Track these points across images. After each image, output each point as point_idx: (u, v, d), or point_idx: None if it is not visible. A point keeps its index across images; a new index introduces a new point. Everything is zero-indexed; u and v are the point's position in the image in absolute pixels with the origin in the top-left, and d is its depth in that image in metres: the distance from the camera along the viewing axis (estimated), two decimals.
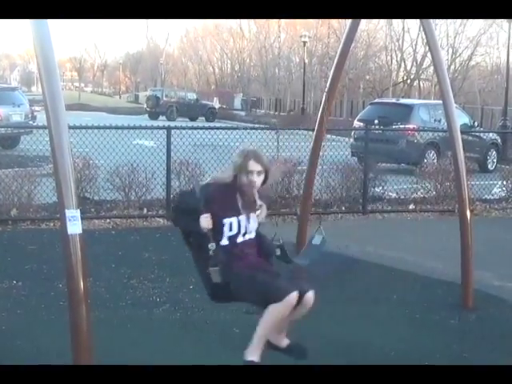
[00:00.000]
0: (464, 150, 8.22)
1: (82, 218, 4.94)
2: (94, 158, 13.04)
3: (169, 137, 12.73)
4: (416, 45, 57.21)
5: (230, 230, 5.43)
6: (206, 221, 5.28)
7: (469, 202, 8.32)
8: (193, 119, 51.82)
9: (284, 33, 70.40)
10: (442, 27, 52.89)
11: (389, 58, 59.00)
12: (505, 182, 15.94)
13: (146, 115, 53.72)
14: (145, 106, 56.58)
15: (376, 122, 21.45)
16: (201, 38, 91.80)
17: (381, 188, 14.96)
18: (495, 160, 23.64)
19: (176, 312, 7.62)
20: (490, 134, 24.60)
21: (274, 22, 66.54)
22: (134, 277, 8.86)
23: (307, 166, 9.52)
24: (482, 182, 15.81)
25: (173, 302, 7.95)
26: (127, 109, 65.47)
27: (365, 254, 10.57)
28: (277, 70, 69.91)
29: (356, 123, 23.43)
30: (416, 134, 21.53)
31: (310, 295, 5.38)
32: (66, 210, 4.79)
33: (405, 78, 59.71)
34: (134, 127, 13.57)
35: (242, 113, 64.38)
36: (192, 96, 57.37)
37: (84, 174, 12.68)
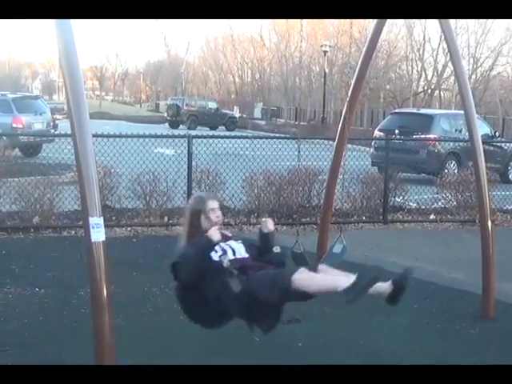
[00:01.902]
0: (485, 160, 8.20)
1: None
2: (116, 167, 13.11)
3: (190, 145, 12.77)
4: (437, 54, 57.11)
5: (216, 252, 5.64)
6: (214, 233, 5.54)
7: (490, 213, 8.30)
8: (213, 128, 51.91)
9: (304, 42, 70.45)
10: (463, 37, 52.86)
11: (409, 67, 58.93)
12: None
13: (167, 124, 53.84)
14: (165, 114, 56.69)
15: (397, 131, 21.41)
16: (221, 47, 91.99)
17: (401, 198, 14.93)
18: None
19: None
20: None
21: (294, 31, 66.55)
22: (155, 285, 8.88)
23: (328, 175, 9.53)
24: (503, 193, 15.74)
25: None
26: (148, 117, 65.67)
27: (385, 264, 10.47)
28: (297, 80, 69.96)
29: (376, 133, 23.40)
30: (437, 143, 21.48)
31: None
32: (90, 218, 4.83)
33: (425, 87, 59.58)
34: (156, 136, 13.65)
35: (263, 122, 64.40)
36: (212, 105, 57.41)
37: (105, 182, 12.73)
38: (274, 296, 5.36)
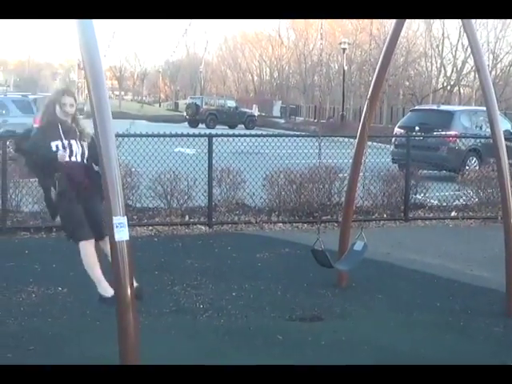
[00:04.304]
0: (507, 156, 8.17)
1: None
2: (136, 166, 13.14)
3: (210, 144, 12.79)
4: (456, 51, 56.91)
5: (57, 150, 6.66)
6: (62, 156, 6.62)
7: None
8: (232, 127, 51.89)
9: (323, 39, 70.29)
10: (483, 33, 52.53)
11: (429, 64, 58.78)
12: None
13: (186, 123, 53.87)
14: (184, 113, 56.72)
15: (417, 128, 21.34)
16: (240, 45, 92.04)
17: (422, 195, 14.89)
18: None
19: (219, 318, 7.64)
20: None
21: (312, 29, 66.51)
22: (177, 283, 8.91)
23: (349, 172, 9.50)
24: None
25: (216, 308, 7.98)
26: (167, 117, 65.71)
27: (407, 262, 10.52)
28: (316, 78, 69.89)
29: (397, 130, 23.34)
30: (457, 140, 21.37)
31: (104, 240, 6.60)
32: (114, 217, 4.84)
33: (445, 84, 59.35)
34: (176, 135, 13.66)
35: (282, 120, 64.36)
36: (231, 104, 57.38)
37: (126, 181, 12.75)
38: (67, 231, 6.91)
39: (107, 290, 6.37)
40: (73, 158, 6.71)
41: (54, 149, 6.64)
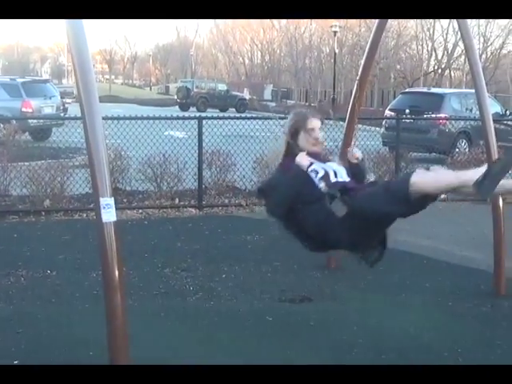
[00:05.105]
0: (496, 138, 8.17)
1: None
2: (126, 149, 13.13)
3: (200, 127, 12.78)
4: (447, 34, 56.90)
5: (317, 173, 5.14)
6: (302, 159, 5.12)
7: None
8: (223, 110, 51.79)
9: (314, 23, 70.11)
10: None
11: (420, 47, 58.77)
12: None
13: (177, 107, 53.81)
14: (175, 97, 56.65)
15: (407, 111, 21.38)
16: (231, 29, 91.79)
17: None
18: None
19: (209, 300, 7.65)
20: None
21: None
22: (166, 266, 8.90)
23: (339, 154, 9.51)
24: None
25: (206, 290, 7.99)
26: (158, 100, 65.58)
27: (397, 243, 10.48)
28: (307, 61, 69.80)
29: (387, 112, 23.39)
30: (447, 123, 21.41)
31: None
32: (101, 198, 4.82)
33: (436, 67, 59.34)
34: (166, 118, 13.66)
35: (273, 103, 64.29)
36: (222, 87, 57.30)
37: (116, 164, 12.75)
38: (390, 208, 4.79)
39: (472, 175, 4.54)
40: (339, 179, 5.24)
41: (317, 183, 5.12)
